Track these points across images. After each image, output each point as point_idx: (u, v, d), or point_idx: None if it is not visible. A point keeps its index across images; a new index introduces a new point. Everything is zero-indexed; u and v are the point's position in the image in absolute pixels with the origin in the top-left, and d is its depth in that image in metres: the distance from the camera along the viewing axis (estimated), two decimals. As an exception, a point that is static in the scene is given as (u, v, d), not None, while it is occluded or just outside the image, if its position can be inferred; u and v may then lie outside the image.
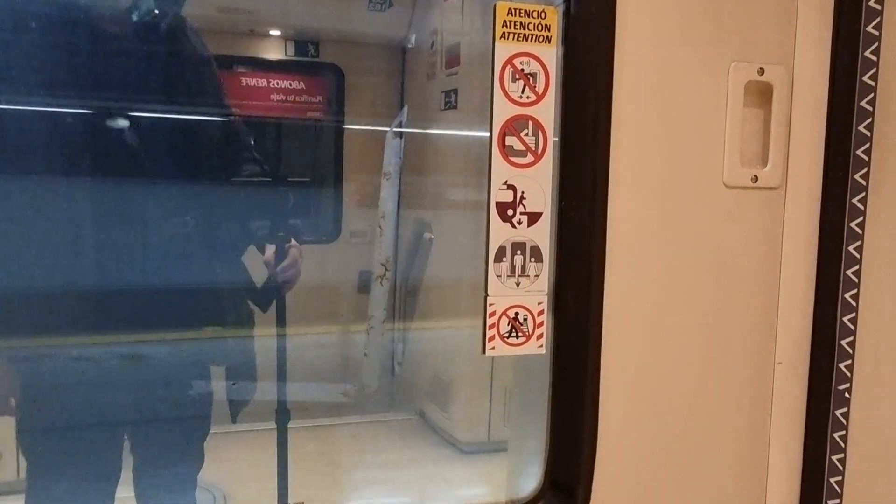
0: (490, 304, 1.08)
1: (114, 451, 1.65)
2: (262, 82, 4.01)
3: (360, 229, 4.05)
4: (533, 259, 1.09)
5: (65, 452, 1.56)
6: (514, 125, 1.06)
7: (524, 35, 1.04)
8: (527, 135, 1.06)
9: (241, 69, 4.02)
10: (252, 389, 1.82)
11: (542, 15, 1.05)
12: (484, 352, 1.09)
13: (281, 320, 2.04)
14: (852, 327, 1.18)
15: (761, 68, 1.14)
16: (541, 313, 1.11)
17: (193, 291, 1.60)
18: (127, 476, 1.73)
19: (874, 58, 1.13)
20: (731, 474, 1.21)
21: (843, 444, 1.19)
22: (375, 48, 4.16)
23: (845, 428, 1.19)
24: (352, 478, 3.01)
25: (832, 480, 1.20)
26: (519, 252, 1.08)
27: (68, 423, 1.54)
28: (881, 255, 1.18)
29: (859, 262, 1.16)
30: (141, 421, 1.64)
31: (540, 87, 1.06)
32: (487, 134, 1.05)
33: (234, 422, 1.84)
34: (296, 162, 4.30)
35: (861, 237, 1.16)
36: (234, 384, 1.78)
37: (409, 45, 4.04)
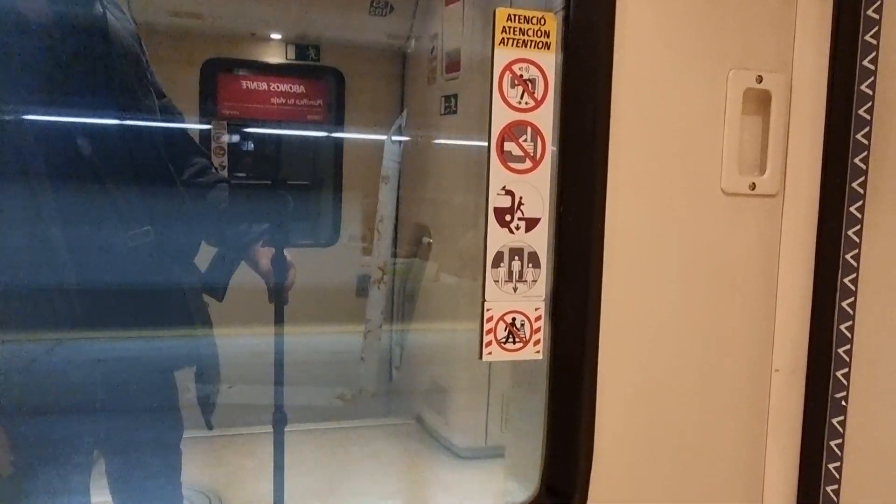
0: (487, 310, 1.08)
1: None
2: (263, 86, 4.01)
3: (359, 233, 4.05)
4: (531, 265, 1.09)
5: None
6: (513, 131, 1.06)
7: (523, 41, 1.05)
8: (525, 141, 1.07)
9: (241, 72, 4.02)
10: (217, 390, 1.77)
11: (542, 21, 1.05)
12: (481, 357, 1.09)
13: (279, 322, 2.04)
14: (849, 335, 1.18)
15: (760, 76, 1.14)
16: (538, 319, 1.11)
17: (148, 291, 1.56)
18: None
19: (872, 67, 1.13)
20: (728, 481, 1.21)
21: (839, 453, 1.19)
22: (376, 52, 4.17)
23: (842, 436, 1.19)
24: (348, 482, 3.00)
25: (829, 489, 1.20)
26: (517, 257, 1.08)
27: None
28: (878, 263, 1.18)
29: (856, 270, 1.16)
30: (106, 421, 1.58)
31: (539, 94, 1.06)
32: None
33: (209, 427, 1.79)
34: (294, 165, 4.30)
35: (858, 245, 1.16)
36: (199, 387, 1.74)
37: (410, 50, 4.05)
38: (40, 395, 1.42)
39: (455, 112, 3.37)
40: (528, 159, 1.07)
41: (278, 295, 1.92)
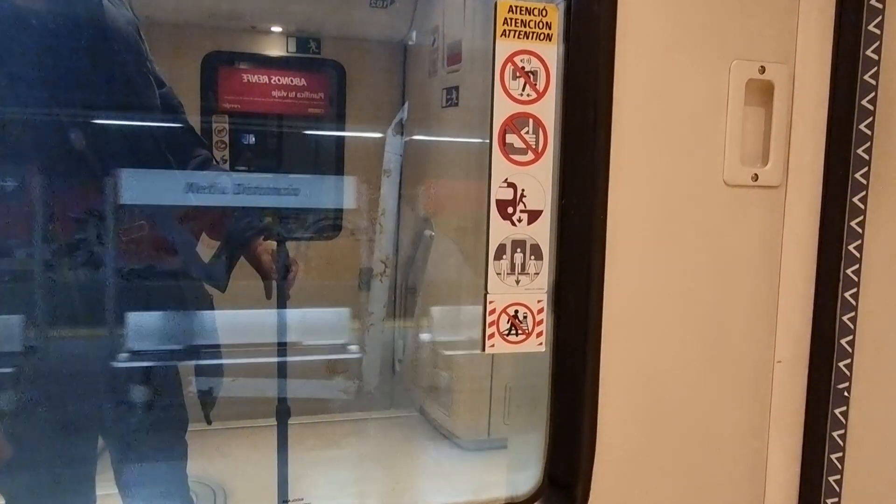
0: (490, 302, 1.08)
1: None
2: (264, 79, 4.00)
3: (360, 226, 4.04)
4: (533, 257, 1.09)
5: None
6: (515, 123, 1.06)
7: (525, 33, 1.04)
8: (527, 133, 1.06)
9: (242, 66, 4.01)
10: (219, 385, 1.77)
11: (543, 13, 1.05)
12: (483, 349, 1.09)
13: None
14: (852, 326, 1.18)
15: (762, 66, 1.14)
16: (540, 311, 1.11)
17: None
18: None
19: (875, 56, 1.12)
20: (731, 472, 1.21)
21: (841, 443, 1.19)
22: (377, 45, 4.15)
23: (844, 427, 1.19)
24: (352, 474, 3.01)
25: (831, 479, 1.20)
26: (519, 250, 1.08)
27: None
28: (881, 254, 1.18)
29: (859, 260, 1.16)
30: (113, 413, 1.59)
31: (540, 85, 1.06)
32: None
33: (208, 423, 1.79)
34: (296, 159, 4.29)
35: (861, 236, 1.16)
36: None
37: (411, 42, 4.04)
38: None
39: (456, 104, 3.36)
40: (529, 151, 1.07)
41: (280, 290, 1.91)
